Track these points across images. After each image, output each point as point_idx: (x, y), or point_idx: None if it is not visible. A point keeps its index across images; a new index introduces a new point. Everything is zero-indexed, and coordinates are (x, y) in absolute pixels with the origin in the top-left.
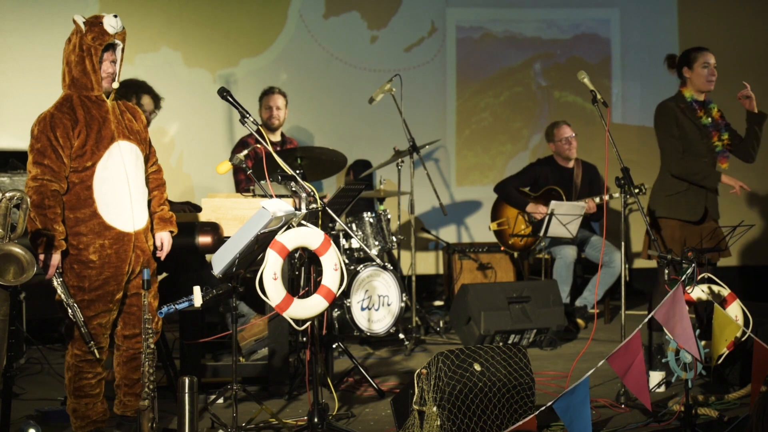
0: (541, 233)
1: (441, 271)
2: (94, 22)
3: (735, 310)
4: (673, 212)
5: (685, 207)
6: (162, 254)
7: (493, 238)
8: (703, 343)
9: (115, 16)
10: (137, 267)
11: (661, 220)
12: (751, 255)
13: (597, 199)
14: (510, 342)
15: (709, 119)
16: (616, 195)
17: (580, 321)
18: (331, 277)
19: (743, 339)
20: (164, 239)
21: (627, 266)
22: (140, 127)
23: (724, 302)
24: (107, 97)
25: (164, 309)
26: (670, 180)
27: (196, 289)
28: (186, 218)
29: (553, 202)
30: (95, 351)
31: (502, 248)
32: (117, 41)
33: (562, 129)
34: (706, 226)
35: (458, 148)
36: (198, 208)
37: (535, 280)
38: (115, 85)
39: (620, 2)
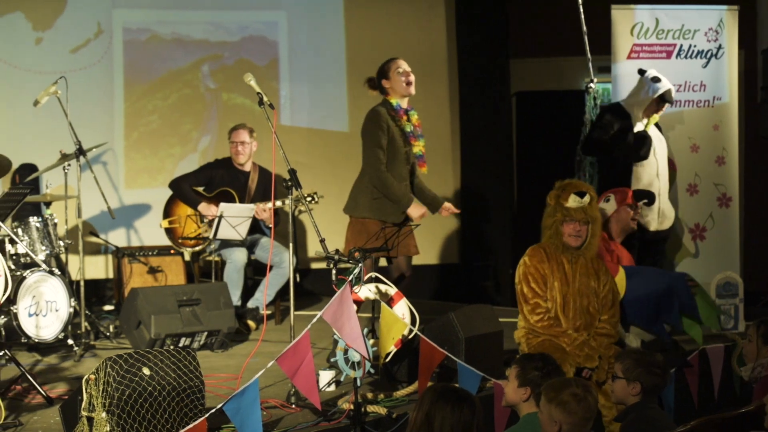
0: (211, 236)
1: (111, 275)
2: None
3: (402, 308)
4: (378, 213)
5: (389, 209)
6: None
7: (163, 241)
8: (371, 341)
9: None
10: None
11: (367, 220)
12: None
13: (265, 205)
14: (181, 345)
15: (411, 126)
16: (287, 202)
17: (250, 322)
18: None
19: (410, 336)
20: None
21: (297, 267)
22: None
23: (391, 301)
24: None
25: None
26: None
27: None
28: None
29: (222, 205)
30: None
31: (172, 251)
32: None
33: (234, 133)
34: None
35: (126, 151)
36: None
37: (205, 283)
38: None
39: (287, 5)
